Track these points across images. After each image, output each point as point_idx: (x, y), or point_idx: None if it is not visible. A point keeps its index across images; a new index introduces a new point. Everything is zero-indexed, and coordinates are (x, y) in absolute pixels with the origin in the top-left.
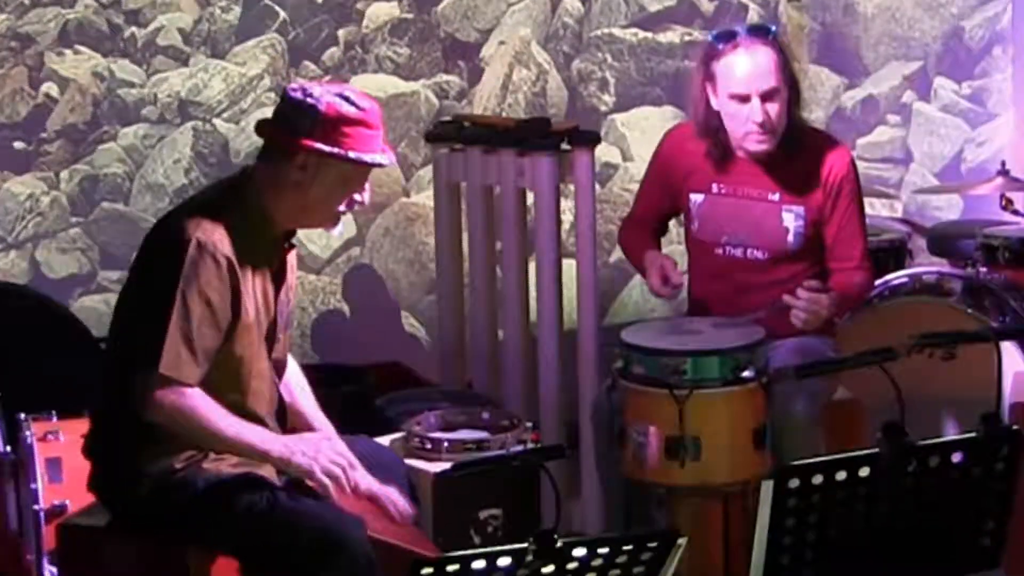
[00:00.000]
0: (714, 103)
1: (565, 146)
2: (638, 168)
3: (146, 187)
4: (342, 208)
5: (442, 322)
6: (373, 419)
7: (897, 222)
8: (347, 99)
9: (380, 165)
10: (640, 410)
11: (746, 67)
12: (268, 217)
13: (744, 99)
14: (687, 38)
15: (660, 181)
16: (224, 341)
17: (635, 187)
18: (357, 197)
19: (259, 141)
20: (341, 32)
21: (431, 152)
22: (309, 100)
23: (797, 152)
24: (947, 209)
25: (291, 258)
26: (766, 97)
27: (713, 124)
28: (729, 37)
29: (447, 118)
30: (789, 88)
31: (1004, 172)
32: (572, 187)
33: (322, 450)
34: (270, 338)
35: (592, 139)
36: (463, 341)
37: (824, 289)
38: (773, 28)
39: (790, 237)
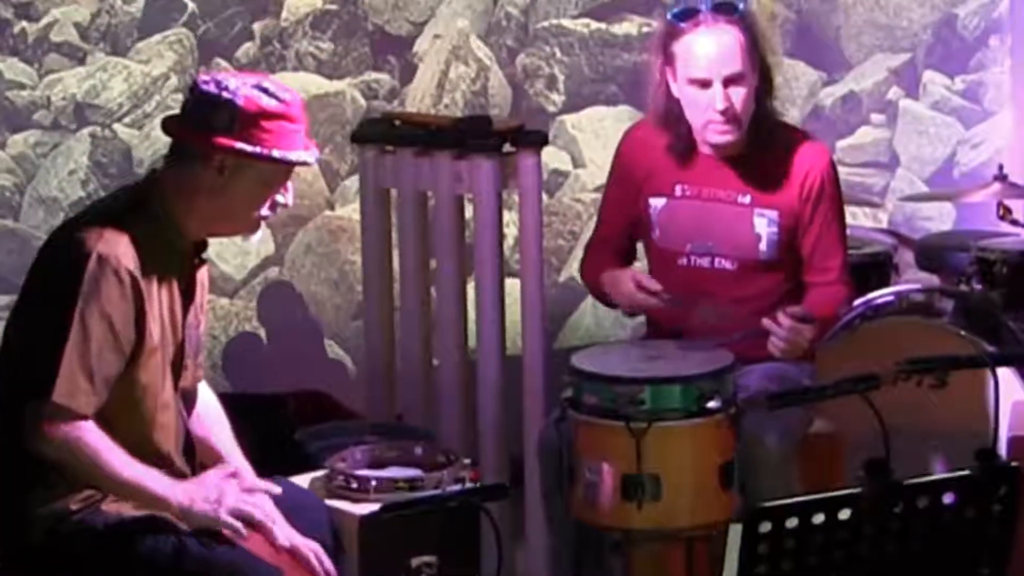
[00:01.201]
0: (674, 89)
1: (508, 148)
2: (591, 175)
3: (38, 201)
4: (264, 212)
5: (370, 347)
6: (292, 455)
7: (881, 233)
8: (266, 91)
9: (306, 163)
10: (592, 445)
11: (708, 48)
12: (178, 227)
13: (705, 84)
14: (645, 29)
15: (621, 190)
16: (126, 367)
17: (587, 197)
18: (280, 199)
19: (166, 149)
20: (257, 25)
21: (358, 155)
22: (224, 94)
23: (770, 149)
24: (938, 219)
25: (202, 275)
26: (730, 82)
27: (674, 113)
28: (690, 15)
29: (375, 116)
30: (758, 74)
31: (1002, 177)
32: (516, 196)
33: (227, 492)
34: (177, 365)
35: (539, 140)
36: (393, 368)
37: (808, 318)
38: (740, 5)
39: (762, 245)
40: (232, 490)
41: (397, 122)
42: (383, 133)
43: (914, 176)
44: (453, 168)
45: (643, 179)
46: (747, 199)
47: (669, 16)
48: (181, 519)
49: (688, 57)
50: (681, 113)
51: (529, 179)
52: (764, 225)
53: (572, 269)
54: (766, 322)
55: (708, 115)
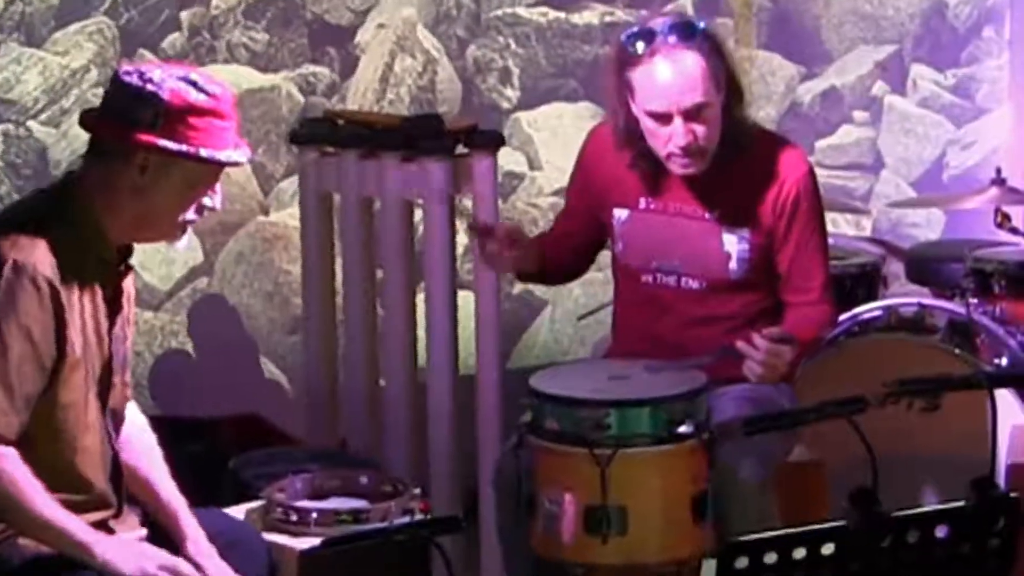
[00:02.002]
0: (634, 109)
1: (461, 149)
2: (548, 178)
3: None
4: (190, 216)
5: (309, 366)
6: (225, 484)
7: (867, 243)
8: (194, 84)
9: (236, 164)
10: (553, 473)
11: (666, 79)
12: (100, 231)
13: (664, 118)
14: (608, 19)
15: (583, 195)
16: (47, 385)
17: (544, 201)
18: (207, 202)
19: (85, 148)
20: (185, 14)
21: (296, 158)
22: (149, 87)
23: (740, 160)
24: (928, 226)
25: (128, 283)
26: (691, 115)
27: (637, 133)
28: (645, 40)
29: (316, 115)
30: (725, 93)
31: (999, 181)
32: (469, 201)
33: (151, 554)
34: (104, 382)
35: (494, 141)
36: (335, 389)
37: (788, 339)
38: (701, 25)
39: (732, 264)
40: (159, 554)
41: (340, 121)
42: (325, 134)
43: (900, 179)
44: (401, 171)
45: (607, 187)
46: (715, 215)
47: (623, 39)
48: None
49: (645, 89)
50: (643, 134)
51: (483, 183)
52: (734, 243)
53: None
54: (740, 345)
55: (669, 149)
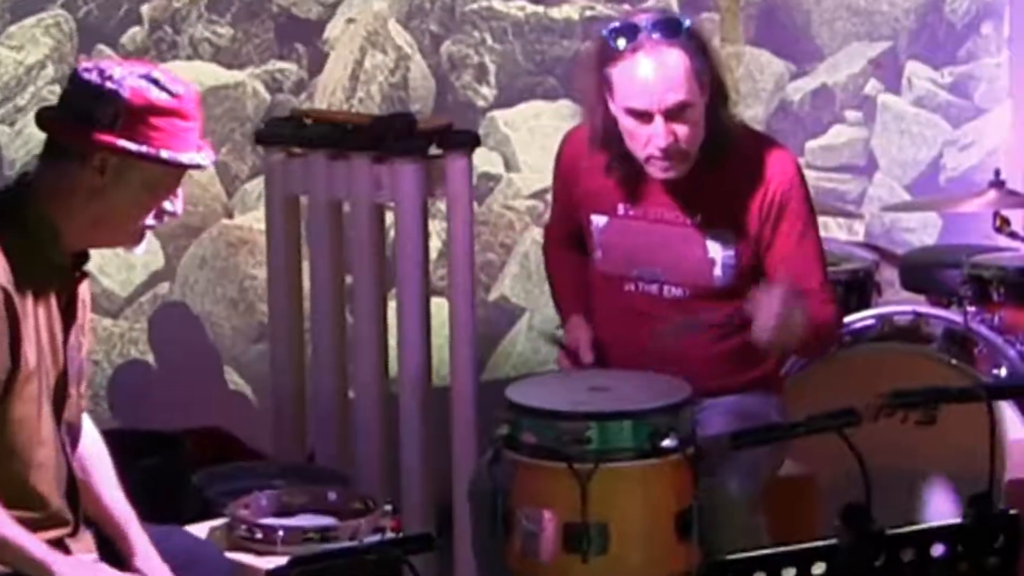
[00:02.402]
0: (613, 108)
1: (434, 150)
2: (526, 180)
3: None
4: (149, 221)
5: (276, 377)
6: (187, 501)
7: (860, 248)
8: (156, 82)
9: (199, 167)
10: (531, 489)
11: (648, 76)
12: (55, 235)
13: (645, 116)
14: (588, 13)
15: (563, 198)
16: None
17: (522, 204)
18: (168, 206)
19: (40, 148)
20: (145, 8)
21: (262, 159)
22: (108, 85)
23: (724, 163)
24: (923, 231)
25: (83, 290)
26: (673, 115)
27: (614, 134)
28: (628, 35)
29: (282, 114)
30: (709, 94)
31: (998, 183)
32: (443, 204)
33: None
34: (58, 394)
35: (469, 142)
36: (302, 401)
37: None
38: (686, 23)
39: (717, 270)
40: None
41: (307, 120)
42: (292, 133)
43: (894, 182)
44: (371, 173)
45: (584, 193)
46: (698, 219)
47: (605, 33)
48: None
49: (626, 85)
50: (622, 134)
51: (458, 185)
52: (718, 249)
53: (504, 287)
54: (753, 297)
55: (649, 150)
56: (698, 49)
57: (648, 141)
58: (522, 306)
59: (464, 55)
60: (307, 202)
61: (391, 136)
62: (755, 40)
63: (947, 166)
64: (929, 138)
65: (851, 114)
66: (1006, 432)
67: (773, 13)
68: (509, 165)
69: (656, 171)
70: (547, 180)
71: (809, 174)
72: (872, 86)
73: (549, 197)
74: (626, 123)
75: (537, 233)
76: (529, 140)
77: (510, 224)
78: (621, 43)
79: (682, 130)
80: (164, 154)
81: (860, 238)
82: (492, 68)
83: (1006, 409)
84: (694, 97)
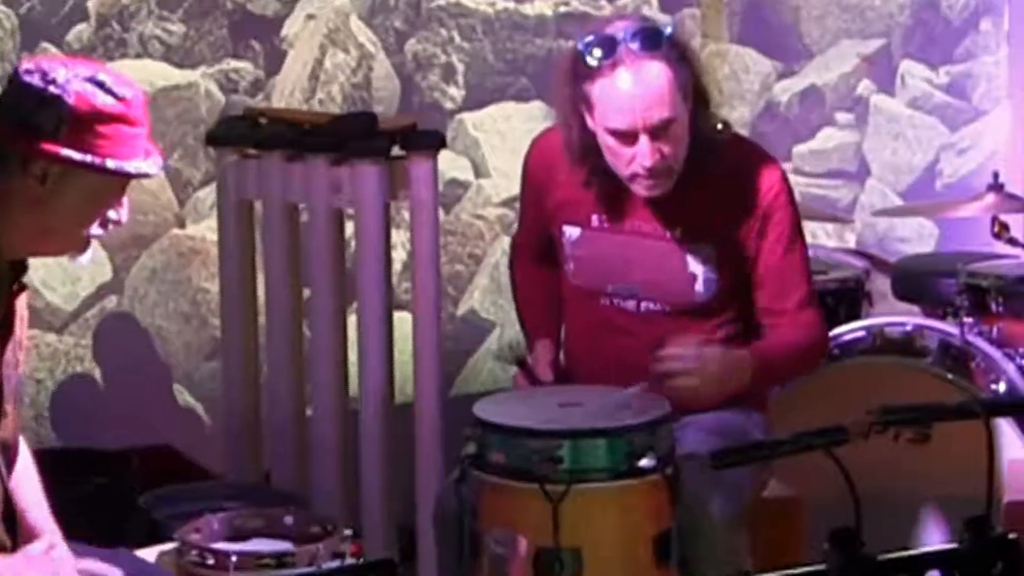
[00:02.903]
0: (591, 123)
1: (398, 152)
2: (496, 186)
3: None
4: (94, 231)
5: (229, 393)
6: (134, 523)
7: (850, 255)
8: (102, 86)
9: (146, 175)
10: (500, 511)
11: (630, 94)
12: None
13: (628, 136)
14: (563, 9)
15: (533, 207)
16: None
17: (492, 212)
18: (112, 215)
19: None
20: (92, 3)
21: (215, 160)
22: (52, 89)
23: (706, 171)
24: (916, 239)
25: (20, 303)
26: (658, 132)
27: (593, 149)
28: (606, 50)
29: (237, 113)
30: (692, 100)
31: (997, 186)
32: (406, 210)
33: (62, 572)
34: None
35: (434, 143)
36: (257, 418)
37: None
38: (667, 31)
39: (698, 286)
40: (67, 570)
41: (262, 119)
42: (246, 133)
43: (887, 188)
44: (330, 175)
45: (555, 203)
46: (678, 232)
47: (580, 48)
48: None
49: (606, 105)
50: (599, 148)
51: (422, 189)
52: (699, 263)
53: (473, 301)
54: (659, 358)
55: (633, 169)
56: (680, 58)
57: (632, 160)
58: (492, 321)
59: (431, 54)
60: (262, 207)
61: (351, 136)
62: (740, 38)
63: (944, 172)
64: (925, 142)
65: (842, 116)
66: (1005, 452)
67: (759, 9)
68: (478, 171)
69: (641, 190)
70: (517, 186)
71: (797, 180)
72: (864, 86)
73: (519, 205)
74: (607, 142)
75: (507, 243)
76: (500, 144)
77: (479, 234)
78: (598, 58)
79: (667, 147)
80: (110, 163)
81: (852, 245)
82: (460, 68)
83: (1005, 427)
84: (678, 111)
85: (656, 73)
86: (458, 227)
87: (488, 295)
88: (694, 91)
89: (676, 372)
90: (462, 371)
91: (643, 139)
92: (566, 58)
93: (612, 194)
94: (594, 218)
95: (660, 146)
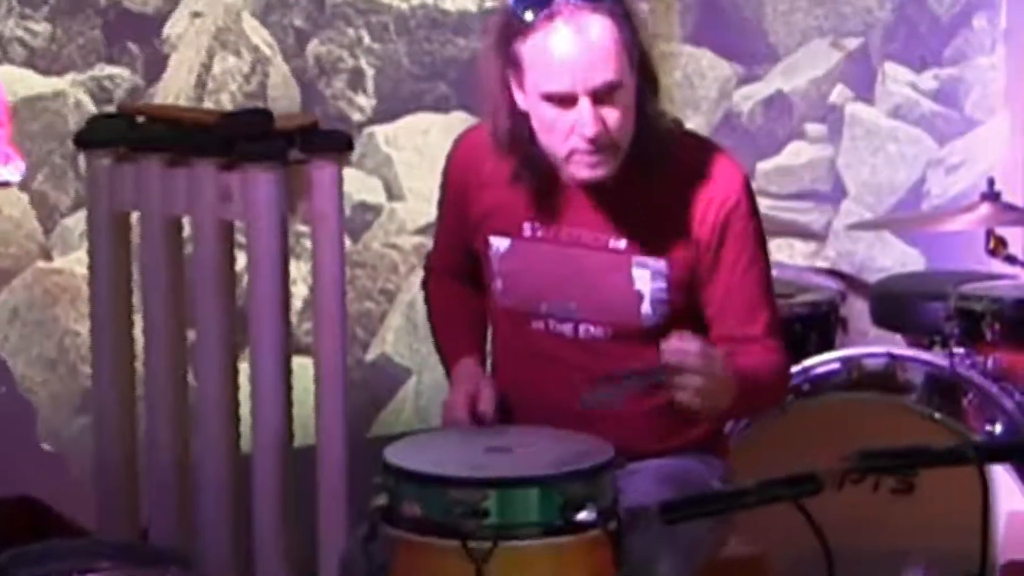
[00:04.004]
0: (520, 101)
1: (297, 154)
2: (411, 211)
3: None
4: None
5: (102, 438)
6: None
7: (822, 275)
8: None
9: (6, 184)
10: (416, 572)
11: (569, 50)
12: None
13: (567, 100)
14: (489, 4)
15: (454, 218)
16: None
17: (408, 241)
18: None
19: None
20: None
21: (86, 166)
22: None
23: (655, 172)
24: (900, 268)
25: None
26: (601, 97)
27: (521, 134)
28: (540, 2)
29: (110, 110)
30: (638, 74)
31: (992, 196)
32: (308, 240)
33: None
34: None
35: (341, 144)
36: (134, 467)
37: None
38: None
39: (645, 306)
40: None
41: (140, 119)
42: (121, 133)
43: (866, 211)
44: (218, 182)
45: (481, 210)
46: (622, 244)
47: (511, 3)
48: None
49: (541, 64)
50: (532, 134)
51: (326, 199)
52: (647, 279)
53: (385, 344)
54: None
55: (572, 143)
56: (626, 18)
57: (571, 131)
58: (407, 368)
59: (336, 57)
60: (140, 219)
61: (243, 137)
62: (694, 37)
63: (931, 192)
64: (909, 157)
65: (813, 128)
66: (1002, 503)
67: (717, 4)
68: (391, 193)
69: (581, 170)
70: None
71: (761, 202)
72: (839, 93)
73: None
74: (543, 113)
75: None
76: (416, 161)
77: (393, 266)
78: (531, 13)
79: (612, 115)
80: None
81: (825, 264)
82: (370, 73)
83: (1002, 475)
84: (624, 75)
85: (598, 28)
86: (367, 258)
87: (403, 337)
88: (640, 63)
89: (686, 367)
90: (372, 424)
91: (584, 103)
92: (496, 18)
93: (546, 193)
94: (526, 226)
95: (603, 113)
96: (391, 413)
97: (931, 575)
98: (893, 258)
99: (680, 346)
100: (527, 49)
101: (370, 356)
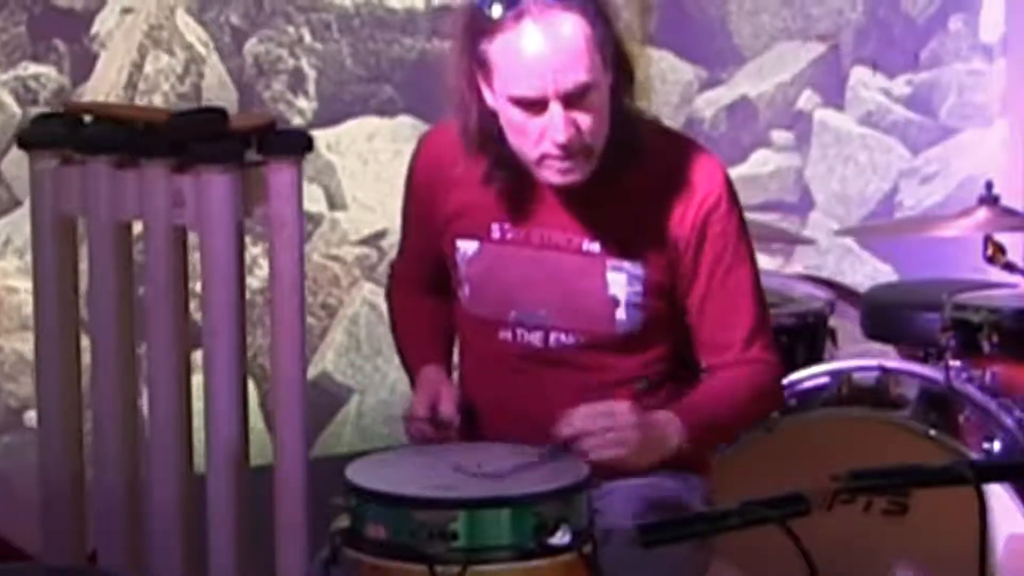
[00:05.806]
0: (489, 99)
1: (253, 156)
2: (354, 221)
3: None
4: None
5: (46, 459)
6: None
7: (810, 284)
8: None
9: None
10: None
11: (537, 52)
12: None
13: (537, 105)
14: (437, 2)
15: (420, 222)
16: None
17: (351, 252)
18: None
19: None
20: None
21: (29, 169)
22: None
23: (631, 169)
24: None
25: None
26: (572, 100)
27: (493, 132)
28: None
29: (53, 110)
30: (613, 71)
31: (991, 199)
32: (264, 259)
33: None
34: None
35: (299, 145)
36: (81, 488)
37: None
38: None
39: (620, 313)
40: None
41: (87, 118)
42: (65, 134)
43: (835, 223)
44: (170, 186)
45: (448, 212)
46: (596, 246)
47: (477, 0)
48: None
49: (509, 66)
50: (502, 133)
51: (284, 203)
52: (622, 283)
53: (326, 361)
54: (558, 429)
55: (544, 148)
56: (598, 14)
57: (542, 136)
58: (349, 387)
59: (275, 57)
60: (87, 225)
61: (196, 137)
62: (655, 38)
63: (904, 203)
64: (881, 167)
65: (779, 135)
66: (1000, 525)
67: (679, 3)
68: (333, 202)
69: (553, 175)
70: (382, 221)
71: None
72: (807, 99)
73: (385, 243)
74: (511, 116)
75: (369, 290)
76: (359, 169)
77: (334, 279)
78: (498, 10)
79: (585, 119)
80: None
81: (813, 272)
82: (311, 74)
83: (1000, 495)
84: (597, 76)
85: (569, 28)
86: (308, 270)
87: (345, 355)
88: (615, 58)
89: (586, 431)
90: (314, 444)
91: (555, 108)
92: (461, 14)
93: (517, 193)
94: (495, 228)
95: (575, 117)
96: (331, 435)
97: None
98: (864, 274)
99: (567, 419)
100: (494, 50)
101: (310, 374)
